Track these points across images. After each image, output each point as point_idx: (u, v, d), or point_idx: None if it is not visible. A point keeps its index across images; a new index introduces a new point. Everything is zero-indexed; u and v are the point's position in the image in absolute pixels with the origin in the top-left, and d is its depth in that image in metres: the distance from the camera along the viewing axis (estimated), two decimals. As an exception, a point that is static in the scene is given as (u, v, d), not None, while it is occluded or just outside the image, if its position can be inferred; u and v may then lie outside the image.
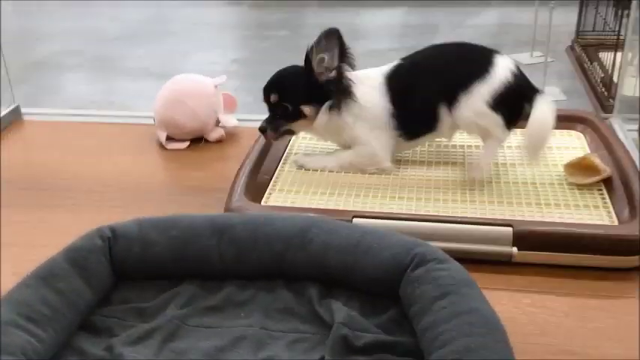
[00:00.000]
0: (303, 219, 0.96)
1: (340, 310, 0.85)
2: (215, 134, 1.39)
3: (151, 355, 0.81)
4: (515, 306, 0.90)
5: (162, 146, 1.37)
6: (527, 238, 0.96)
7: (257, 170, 1.18)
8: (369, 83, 1.13)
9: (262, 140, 1.26)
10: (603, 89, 3.03)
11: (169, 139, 1.37)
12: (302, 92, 1.10)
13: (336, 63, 1.08)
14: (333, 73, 1.09)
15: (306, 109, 1.11)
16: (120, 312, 0.89)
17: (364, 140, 1.13)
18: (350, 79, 1.10)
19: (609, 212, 1.02)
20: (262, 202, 1.11)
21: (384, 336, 0.82)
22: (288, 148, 1.29)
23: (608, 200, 1.05)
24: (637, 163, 1.13)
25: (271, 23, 4.85)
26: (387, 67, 1.15)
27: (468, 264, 0.94)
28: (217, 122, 1.40)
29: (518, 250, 0.96)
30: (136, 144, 1.40)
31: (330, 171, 1.17)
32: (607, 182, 1.09)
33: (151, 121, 1.40)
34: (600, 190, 1.08)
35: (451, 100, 1.09)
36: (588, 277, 0.94)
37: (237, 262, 0.93)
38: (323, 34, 1.07)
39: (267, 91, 1.11)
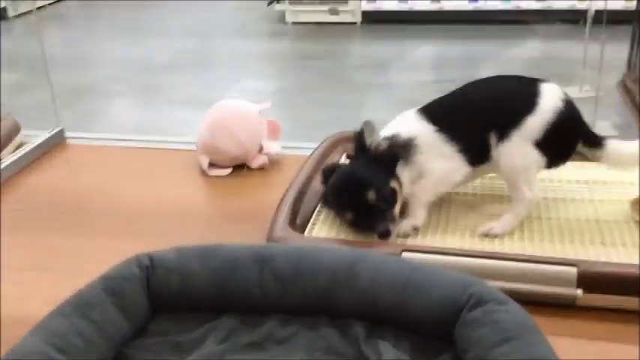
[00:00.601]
0: (349, 252, 0.90)
1: (389, 352, 0.79)
2: (258, 161, 1.35)
3: (186, 392, 0.76)
4: (580, 355, 0.82)
5: (204, 173, 1.34)
6: (594, 280, 0.88)
7: (301, 199, 1.13)
8: (406, 122, 1.07)
9: (307, 168, 1.22)
10: (658, 125, 2.93)
11: (212, 165, 1.34)
12: (381, 175, 1.00)
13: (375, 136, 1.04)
14: (381, 142, 1.03)
15: (394, 184, 1.01)
16: (155, 345, 0.84)
17: (432, 164, 1.03)
18: (395, 135, 1.05)
19: (682, 254, 0.94)
20: (306, 233, 1.06)
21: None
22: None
23: (680, 241, 0.97)
24: None
25: (314, 54, 4.87)
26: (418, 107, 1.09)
27: (526, 306, 0.88)
28: (260, 149, 1.36)
29: (584, 292, 0.88)
30: (177, 170, 1.37)
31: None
32: (678, 221, 1.01)
33: (194, 147, 1.38)
34: (670, 229, 1.00)
35: (501, 132, 1.01)
36: (660, 324, 0.86)
37: (279, 296, 0.88)
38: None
39: (363, 191, 0.98)
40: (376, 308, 0.85)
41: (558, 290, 0.89)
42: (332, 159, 1.31)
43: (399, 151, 1.02)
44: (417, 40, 4.99)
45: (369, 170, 1.00)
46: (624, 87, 3.53)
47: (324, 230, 1.07)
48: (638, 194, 1.06)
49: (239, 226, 1.15)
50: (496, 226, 1.02)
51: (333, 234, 1.05)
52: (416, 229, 1.01)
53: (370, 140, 1.02)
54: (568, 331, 0.87)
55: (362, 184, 0.99)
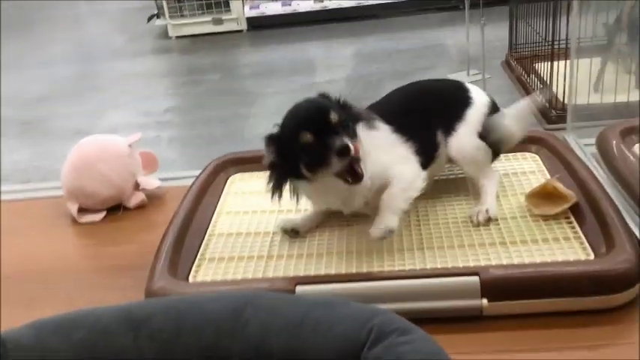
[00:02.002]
0: (235, 298, 0.81)
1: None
2: (135, 199, 1.23)
3: None
4: (495, 373, 0.77)
5: (74, 220, 1.20)
6: (497, 287, 0.83)
7: (182, 239, 1.02)
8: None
9: (186, 203, 1.11)
10: (544, 100, 3.01)
11: (82, 210, 1.20)
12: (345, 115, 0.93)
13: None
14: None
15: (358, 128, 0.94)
16: None
17: (398, 168, 0.97)
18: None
19: (582, 244, 0.91)
20: (190, 278, 0.95)
21: None
22: (219, 206, 1.14)
23: (578, 230, 0.93)
24: (602, 181, 1.03)
25: (202, 67, 4.73)
26: None
27: (434, 324, 0.81)
28: (136, 186, 1.24)
29: (489, 301, 0.83)
30: (43, 221, 1.22)
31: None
32: (574, 208, 0.97)
33: (60, 192, 1.23)
34: (568, 218, 0.97)
35: (447, 127, 1.03)
36: (572, 325, 0.82)
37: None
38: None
39: (324, 110, 0.90)
40: (271, 357, 0.75)
41: (463, 303, 0.84)
42: (216, 186, 1.21)
43: (362, 113, 0.96)
44: (304, 42, 4.94)
45: (332, 103, 0.94)
46: (508, 66, 3.63)
47: (210, 271, 0.96)
48: (533, 186, 1.02)
49: (117, 279, 1.03)
50: (482, 209, 0.99)
51: (219, 275, 0.95)
52: (391, 232, 0.92)
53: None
54: (480, 345, 0.81)
55: (324, 104, 0.92)
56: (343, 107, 0.94)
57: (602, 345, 0.79)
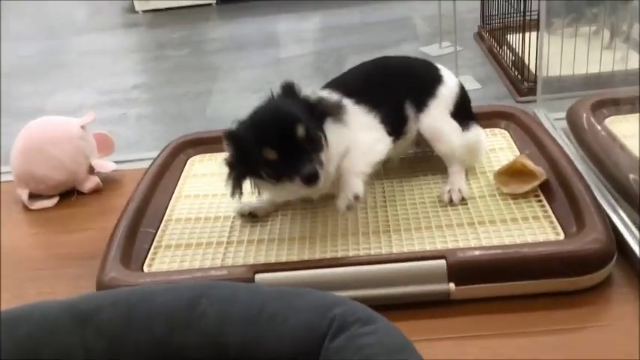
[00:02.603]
0: (189, 288, 0.76)
1: (247, 406, 0.67)
2: (89, 184, 1.17)
3: None
4: (463, 356, 0.73)
5: (25, 207, 1.14)
6: (465, 271, 0.80)
7: (137, 225, 0.97)
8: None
9: (142, 188, 1.06)
10: (516, 72, 2.98)
11: (33, 196, 1.14)
12: (311, 118, 0.86)
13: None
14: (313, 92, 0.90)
15: (323, 135, 0.87)
16: None
17: (357, 136, 0.91)
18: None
19: (552, 223, 0.88)
20: (145, 268, 0.90)
21: None
22: (177, 189, 1.09)
23: (548, 208, 0.90)
24: (572, 157, 1.00)
25: (171, 42, 4.61)
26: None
27: (401, 310, 0.79)
28: (91, 169, 1.18)
29: (456, 285, 0.79)
30: (-9, 208, 1.16)
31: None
32: (543, 186, 0.94)
33: (10, 178, 1.17)
34: (538, 196, 0.93)
35: (417, 102, 0.98)
36: (542, 307, 0.79)
37: (110, 357, 0.72)
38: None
39: (290, 124, 0.82)
40: (227, 349, 0.71)
41: (430, 288, 0.80)
42: (174, 169, 1.15)
43: (329, 108, 0.88)
44: (275, 15, 4.83)
45: (298, 109, 0.85)
46: (480, 38, 3.59)
47: (166, 260, 0.92)
48: (502, 164, 0.99)
49: (70, 269, 0.97)
50: (453, 188, 0.96)
51: (176, 264, 0.91)
52: (357, 198, 0.86)
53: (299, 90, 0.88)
54: (447, 331, 0.78)
55: (290, 117, 0.83)
56: (311, 107, 0.87)
57: (574, 328, 0.76)
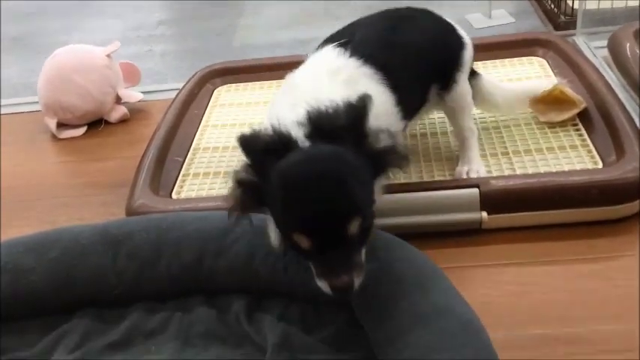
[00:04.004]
0: (220, 217, 0.75)
1: (275, 328, 0.67)
2: (116, 114, 1.16)
3: None
4: (492, 286, 0.73)
5: (54, 136, 1.14)
6: (497, 199, 0.78)
7: (165, 154, 0.97)
8: (348, 73, 0.73)
9: (169, 117, 1.05)
10: (552, 5, 2.86)
11: (61, 126, 1.14)
12: (368, 187, 0.61)
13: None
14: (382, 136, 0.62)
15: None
16: (-8, 369, 0.69)
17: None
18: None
19: (590, 152, 0.85)
20: (174, 195, 0.90)
21: (333, 356, 0.63)
22: (204, 119, 1.08)
23: (586, 137, 0.87)
24: (613, 85, 0.96)
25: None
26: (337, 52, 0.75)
27: (430, 239, 0.77)
28: (118, 99, 1.17)
29: (489, 214, 0.78)
30: (21, 137, 1.17)
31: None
32: (582, 115, 0.91)
33: (39, 107, 1.17)
34: (576, 125, 0.90)
35: (445, 78, 0.83)
36: (577, 236, 0.77)
37: (140, 281, 0.73)
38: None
39: (343, 218, 0.57)
40: (258, 279, 0.71)
41: (462, 216, 0.78)
42: (201, 99, 1.14)
43: (395, 161, 0.63)
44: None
45: (357, 175, 0.59)
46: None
47: (194, 187, 0.91)
48: (538, 92, 0.95)
49: (98, 196, 0.98)
50: (472, 168, 0.84)
51: (205, 191, 0.90)
52: None
53: (365, 127, 0.60)
54: (477, 260, 0.77)
55: (346, 205, 0.57)
56: (375, 160, 0.61)
57: (609, 257, 0.74)
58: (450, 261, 0.74)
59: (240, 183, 0.61)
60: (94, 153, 1.10)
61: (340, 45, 0.76)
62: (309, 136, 0.60)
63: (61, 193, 1.00)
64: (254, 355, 0.65)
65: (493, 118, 0.95)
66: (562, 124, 0.90)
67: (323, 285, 0.58)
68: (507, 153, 0.87)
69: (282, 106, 0.69)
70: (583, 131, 0.88)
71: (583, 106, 0.90)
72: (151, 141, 0.98)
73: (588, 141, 0.86)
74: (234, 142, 0.98)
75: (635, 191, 0.76)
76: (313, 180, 0.57)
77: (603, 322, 0.65)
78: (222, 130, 1.04)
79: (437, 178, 0.85)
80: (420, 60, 0.79)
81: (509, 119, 0.94)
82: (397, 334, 0.60)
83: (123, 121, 1.17)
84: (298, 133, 0.60)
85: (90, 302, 0.73)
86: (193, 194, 0.89)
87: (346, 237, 0.57)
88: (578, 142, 0.87)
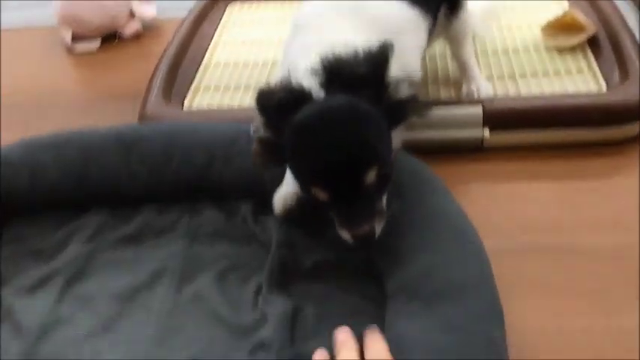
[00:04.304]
0: (230, 127, 0.78)
1: (279, 228, 0.70)
2: (130, 28, 1.17)
3: (49, 306, 0.66)
4: (491, 200, 0.75)
5: (69, 49, 1.16)
6: (501, 117, 0.79)
7: (177, 66, 0.99)
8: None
9: (183, 31, 1.06)
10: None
11: (76, 39, 1.16)
12: (387, 137, 0.60)
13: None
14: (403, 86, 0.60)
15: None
16: (11, 254, 0.73)
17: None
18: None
19: (595, 76, 0.86)
20: (185, 106, 0.92)
21: (333, 254, 0.67)
22: (216, 35, 1.09)
23: (593, 62, 0.88)
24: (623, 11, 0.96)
25: None
26: None
27: (433, 156, 0.79)
28: (132, 14, 1.18)
29: (491, 132, 0.80)
30: (37, 50, 1.18)
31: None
32: (591, 41, 0.91)
33: (54, 22, 1.18)
34: (584, 51, 0.91)
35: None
36: (578, 156, 0.79)
37: (152, 182, 0.76)
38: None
39: (360, 167, 0.56)
40: (265, 185, 0.74)
41: (464, 133, 0.80)
42: (214, 15, 1.14)
43: (416, 109, 0.62)
44: None
45: (374, 126, 0.58)
46: None
47: (205, 100, 0.93)
48: (550, 17, 0.95)
49: (112, 106, 1.00)
50: (476, 86, 0.85)
51: (215, 103, 0.92)
52: None
53: (386, 77, 0.58)
54: (478, 176, 0.79)
55: (363, 155, 0.56)
56: (394, 110, 0.59)
57: (607, 175, 0.76)
58: (452, 176, 0.76)
59: (259, 141, 0.61)
60: (107, 66, 1.12)
61: None
62: (324, 85, 0.58)
63: (76, 101, 1.03)
64: (259, 252, 0.69)
65: (503, 42, 0.95)
66: (571, 49, 0.91)
67: (344, 234, 0.58)
68: (514, 76, 0.88)
69: (294, 51, 0.68)
70: (590, 56, 0.89)
71: (593, 31, 0.90)
72: (163, 55, 1.00)
73: (595, 66, 0.87)
74: (246, 60, 1.01)
75: (634, 114, 0.77)
76: (327, 131, 0.56)
77: (591, 234, 0.68)
78: (234, 48, 1.06)
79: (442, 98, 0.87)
80: None
81: (518, 43, 0.95)
82: (393, 237, 0.62)
83: (136, 36, 1.18)
84: (312, 83, 0.58)
85: (104, 200, 0.77)
86: (204, 106, 0.92)
87: (364, 186, 0.56)
88: (584, 67, 0.88)
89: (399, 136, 0.63)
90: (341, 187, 0.56)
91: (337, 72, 0.57)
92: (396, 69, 0.58)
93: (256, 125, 0.61)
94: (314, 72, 0.58)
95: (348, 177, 0.56)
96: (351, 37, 0.61)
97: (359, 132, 0.56)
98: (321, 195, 0.57)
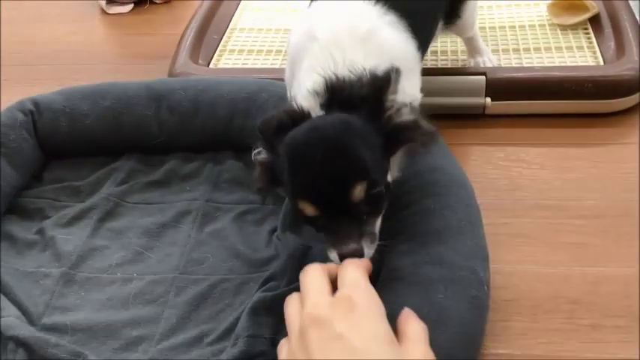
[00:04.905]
0: (251, 82, 0.85)
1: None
2: (161, -7, 1.25)
3: (85, 237, 0.74)
4: (488, 161, 0.82)
5: (103, 11, 1.24)
6: (502, 87, 0.86)
7: (205, 30, 1.06)
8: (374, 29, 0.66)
9: (210, -4, 1.13)
10: None
11: (111, 2, 1.23)
12: (379, 156, 0.57)
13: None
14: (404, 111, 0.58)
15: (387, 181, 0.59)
16: (52, 192, 0.81)
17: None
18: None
19: (594, 53, 0.91)
20: (211, 65, 0.99)
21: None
22: (242, 2, 1.15)
23: (593, 39, 0.94)
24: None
25: None
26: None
27: (437, 119, 0.86)
28: (163, -20, 1.25)
29: (492, 100, 0.86)
30: (74, 10, 1.26)
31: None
32: (594, 20, 0.97)
33: (90, -15, 1.26)
34: (586, 29, 0.96)
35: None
36: (570, 125, 0.85)
37: (179, 132, 0.84)
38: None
39: (347, 181, 0.54)
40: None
41: (468, 100, 0.87)
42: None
43: (419, 137, 0.59)
44: None
45: (366, 143, 0.55)
46: None
47: (229, 61, 1.00)
48: (555, -4, 1.01)
49: (143, 65, 1.07)
50: (483, 58, 0.91)
51: (239, 64, 0.99)
52: None
53: (386, 98, 0.57)
54: (478, 139, 0.86)
55: (350, 169, 0.54)
56: (392, 134, 0.57)
57: (597, 144, 0.82)
58: (453, 139, 0.82)
59: (260, 164, 0.61)
60: (139, 28, 1.19)
61: None
62: (325, 105, 0.57)
63: (110, 60, 1.11)
64: (274, 199, 0.76)
65: (509, 17, 1.01)
66: (573, 26, 0.96)
67: (333, 256, 0.55)
68: (518, 49, 0.94)
69: (300, 71, 0.66)
70: (591, 34, 0.95)
71: (595, 11, 0.96)
72: (192, 19, 1.07)
73: (595, 43, 0.93)
74: (270, 25, 1.08)
75: (627, 87, 0.83)
76: (316, 144, 0.54)
77: (579, 196, 0.74)
78: (259, 14, 1.12)
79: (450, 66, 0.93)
80: None
81: (525, 19, 1.00)
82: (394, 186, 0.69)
83: (166, 2, 1.25)
84: (313, 104, 0.58)
85: (135, 147, 0.84)
86: (229, 66, 0.99)
87: (352, 202, 0.54)
88: (585, 44, 0.93)
89: (399, 163, 0.63)
90: (328, 201, 0.54)
91: (339, 92, 0.57)
92: (400, 93, 0.58)
93: (258, 150, 0.61)
94: (316, 93, 0.58)
95: (335, 191, 0.53)
96: (360, 60, 0.60)
97: (348, 146, 0.54)
98: (309, 209, 0.55)
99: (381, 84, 0.56)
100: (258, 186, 0.63)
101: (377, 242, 0.57)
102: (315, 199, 0.54)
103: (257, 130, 0.59)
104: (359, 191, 0.53)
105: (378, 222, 0.58)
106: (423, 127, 0.58)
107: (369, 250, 0.55)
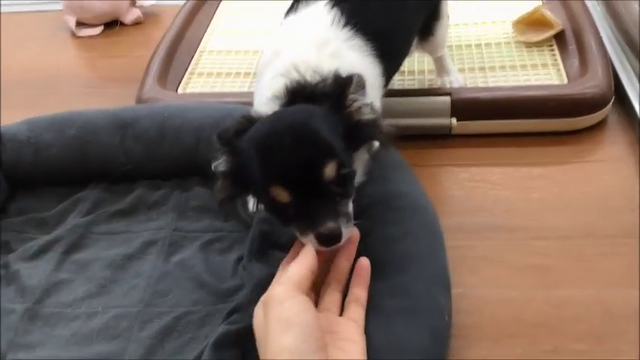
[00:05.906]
0: (217, 109, 0.85)
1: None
2: (131, 16, 1.24)
3: (49, 270, 0.73)
4: (454, 182, 0.82)
5: (73, 34, 1.23)
6: (467, 107, 0.86)
7: (173, 53, 1.06)
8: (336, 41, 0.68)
9: (180, 18, 1.13)
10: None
11: (80, 24, 1.23)
12: (344, 143, 0.58)
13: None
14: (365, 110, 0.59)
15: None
16: (17, 224, 0.80)
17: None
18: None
19: (559, 70, 0.92)
20: (180, 90, 0.99)
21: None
22: (212, 24, 1.16)
23: (558, 57, 0.94)
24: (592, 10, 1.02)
25: None
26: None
27: (404, 141, 0.86)
28: (133, 2, 1.25)
29: (458, 120, 0.86)
30: (42, 34, 1.26)
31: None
32: (559, 37, 0.98)
33: (60, 7, 1.25)
34: (551, 46, 0.97)
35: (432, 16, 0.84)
36: (534, 144, 0.86)
37: (145, 160, 0.84)
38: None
39: (317, 160, 0.54)
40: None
41: (433, 121, 0.87)
42: (210, 5, 1.21)
43: (379, 134, 0.60)
44: None
45: (332, 131, 0.56)
46: None
47: (198, 85, 1.00)
48: (520, 13, 1.02)
49: (113, 89, 1.07)
50: (450, 78, 0.92)
51: (207, 88, 0.99)
52: None
53: (351, 99, 0.58)
54: (444, 160, 0.86)
55: (319, 148, 0.55)
56: (353, 129, 0.58)
57: (562, 162, 0.83)
58: (421, 160, 0.83)
59: (221, 175, 0.60)
60: (109, 51, 1.19)
61: (335, 4, 0.70)
62: (286, 105, 0.59)
63: (78, 84, 1.10)
64: (239, 227, 0.76)
65: (475, 36, 1.02)
66: (538, 44, 0.97)
67: (309, 240, 0.55)
68: (484, 68, 0.95)
69: (262, 82, 0.67)
70: (556, 52, 0.95)
71: (560, 28, 0.96)
72: (161, 41, 1.07)
73: (559, 61, 0.94)
74: (239, 47, 1.08)
75: (589, 105, 0.84)
76: (281, 131, 0.55)
77: (542, 217, 0.75)
78: (228, 36, 1.12)
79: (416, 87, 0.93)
80: (411, 19, 0.78)
81: (491, 37, 1.01)
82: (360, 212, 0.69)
83: (137, 23, 1.25)
84: (273, 108, 0.60)
85: (101, 176, 0.84)
86: (197, 91, 0.99)
87: (324, 181, 0.54)
88: (549, 61, 0.94)
89: (363, 165, 0.64)
90: (300, 184, 0.54)
91: (300, 93, 0.58)
92: (360, 94, 0.59)
93: (218, 162, 0.60)
94: (276, 98, 0.60)
95: (306, 171, 0.54)
96: (323, 67, 0.62)
97: (314, 130, 0.55)
98: (282, 195, 0.54)
99: (344, 82, 0.58)
100: (219, 197, 0.61)
101: (352, 222, 0.57)
102: (287, 183, 0.54)
103: (216, 139, 0.59)
104: (330, 169, 0.54)
105: (350, 205, 0.58)
106: (383, 126, 0.59)
107: (346, 230, 0.56)
